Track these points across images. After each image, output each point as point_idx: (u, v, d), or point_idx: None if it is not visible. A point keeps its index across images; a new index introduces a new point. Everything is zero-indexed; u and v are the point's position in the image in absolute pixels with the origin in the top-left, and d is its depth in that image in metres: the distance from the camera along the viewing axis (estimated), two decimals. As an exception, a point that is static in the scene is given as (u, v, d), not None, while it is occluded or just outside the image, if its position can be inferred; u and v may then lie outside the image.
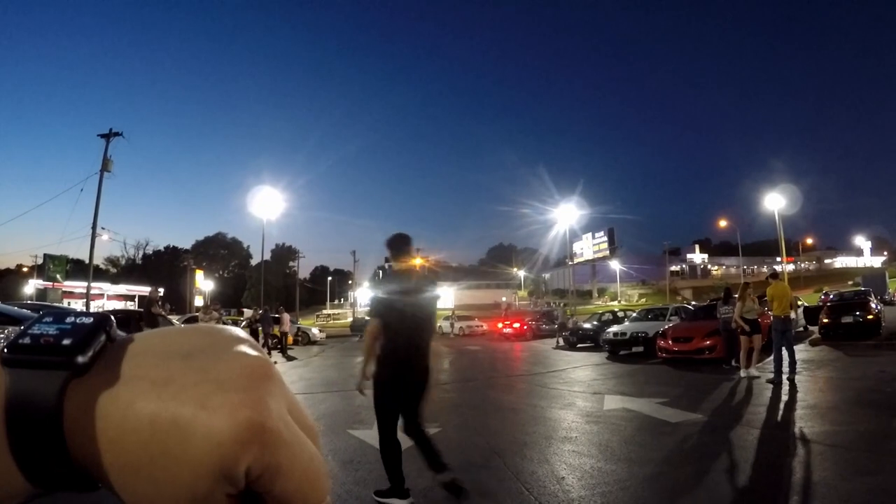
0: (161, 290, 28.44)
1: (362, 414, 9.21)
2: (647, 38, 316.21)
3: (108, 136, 33.40)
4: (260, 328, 24.52)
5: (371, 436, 7.37)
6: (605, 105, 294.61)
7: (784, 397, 9.55)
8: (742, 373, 11.99)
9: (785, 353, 11.28)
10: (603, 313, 29.35)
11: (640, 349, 17.93)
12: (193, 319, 22.38)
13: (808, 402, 8.97)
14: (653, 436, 7.12)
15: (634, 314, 23.76)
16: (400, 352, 4.53)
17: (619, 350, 18.89)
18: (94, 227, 33.23)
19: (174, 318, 25.44)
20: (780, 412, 8.56)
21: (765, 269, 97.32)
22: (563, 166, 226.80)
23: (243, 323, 34.66)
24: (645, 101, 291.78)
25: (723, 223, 79.22)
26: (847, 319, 18.67)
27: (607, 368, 15.65)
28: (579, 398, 10.37)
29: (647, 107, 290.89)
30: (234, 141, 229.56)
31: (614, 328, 20.10)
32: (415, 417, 4.71)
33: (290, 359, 21.84)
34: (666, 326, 17.21)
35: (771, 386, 10.58)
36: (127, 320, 15.55)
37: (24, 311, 9.92)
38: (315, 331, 35.86)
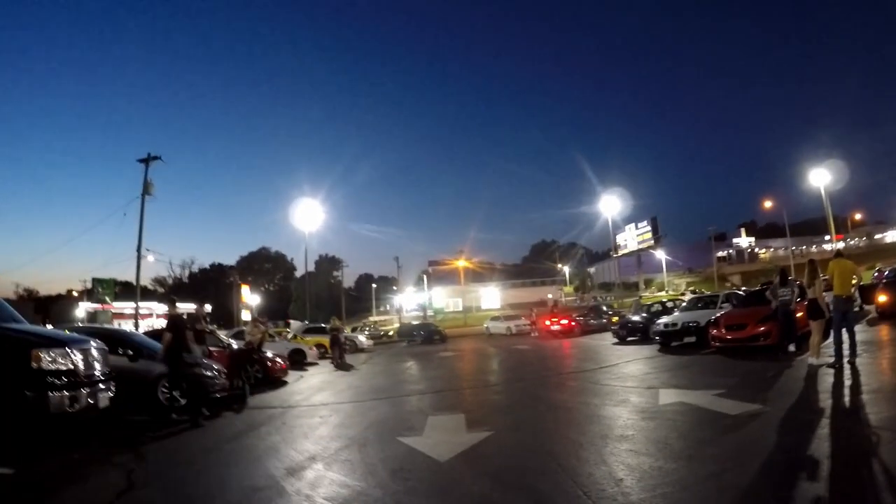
0: (207, 307, 28.86)
1: (412, 420, 9.12)
2: (684, 22, 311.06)
3: (147, 161, 34.41)
4: (339, 338, 24.74)
5: (421, 443, 7.26)
6: (643, 93, 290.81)
7: (847, 382, 9.15)
8: (812, 360, 11.21)
9: (845, 335, 10.83)
10: (651, 304, 28.81)
11: (693, 339, 17.42)
12: (241, 333, 22.50)
13: (872, 387, 8.56)
14: (712, 430, 6.85)
15: (684, 303, 23.20)
16: None
17: (670, 342, 18.41)
18: (139, 249, 34.06)
19: (222, 333, 25.76)
20: (845, 398, 8.21)
21: (814, 249, 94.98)
22: (602, 158, 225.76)
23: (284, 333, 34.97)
24: (682, 87, 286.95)
25: (768, 204, 77.65)
26: (905, 296, 17.96)
27: (659, 361, 15.28)
28: (633, 394, 10.11)
29: (685, 92, 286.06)
30: (272, 156, 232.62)
31: (664, 319, 19.61)
32: None
33: (345, 368, 21.87)
34: (718, 314, 16.72)
35: (832, 371, 10.15)
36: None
37: (63, 332, 10.01)
38: (362, 338, 36.07)
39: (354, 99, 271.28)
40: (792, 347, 13.64)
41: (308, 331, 35.30)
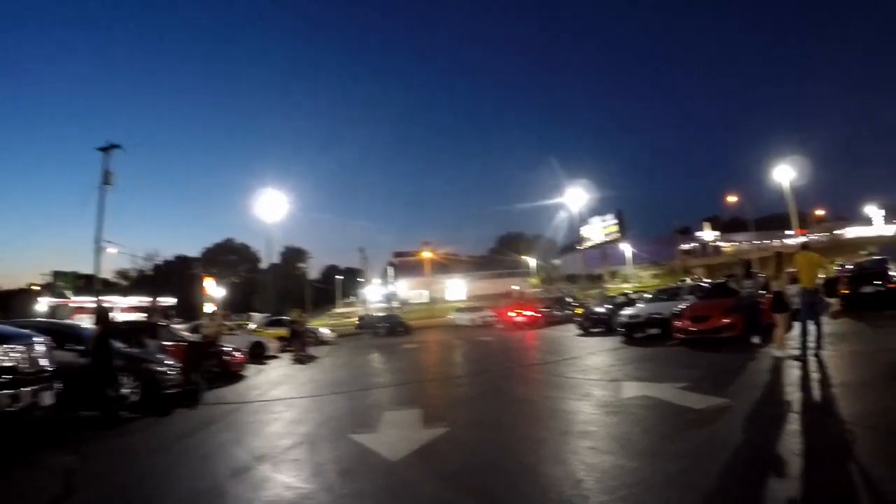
0: (166, 300, 28.20)
1: (367, 416, 8.77)
2: (649, 15, 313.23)
3: (106, 150, 33.41)
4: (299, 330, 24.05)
5: (375, 440, 6.92)
6: (609, 86, 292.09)
7: (814, 375, 9.00)
8: (777, 352, 11.16)
9: (811, 326, 10.72)
10: (616, 296, 28.76)
11: (657, 331, 17.33)
12: (199, 327, 21.88)
13: (839, 380, 8.46)
14: (677, 425, 6.61)
15: (648, 295, 23.12)
16: None
17: (634, 333, 18.35)
18: (97, 241, 33.24)
19: (182, 327, 25.12)
20: (813, 392, 8.04)
21: (777, 243, 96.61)
22: (568, 151, 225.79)
23: (241, 325, 34.40)
24: (648, 81, 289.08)
25: (732, 199, 78.74)
26: (867, 289, 18.09)
27: (623, 353, 15.13)
28: (596, 387, 9.84)
29: (651, 86, 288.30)
30: (237, 146, 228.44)
31: (628, 311, 19.50)
32: None
33: (302, 361, 21.37)
34: (682, 306, 16.63)
35: (797, 363, 10.01)
36: (126, 332, 15.16)
37: (4, 327, 9.45)
38: (324, 330, 35.53)
39: (320, 89, 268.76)
40: (756, 339, 13.55)
41: (270, 323, 34.77)
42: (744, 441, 5.69)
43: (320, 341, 33.01)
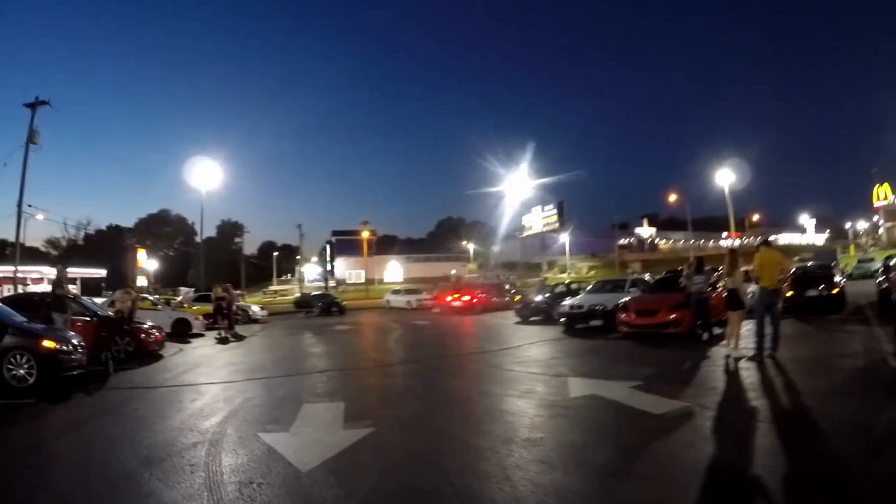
0: (68, 269, 26.19)
1: (283, 408, 7.68)
2: (603, 7, 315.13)
3: (34, 105, 30.98)
4: (223, 307, 22.43)
5: (286, 442, 5.87)
6: (557, 77, 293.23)
7: (776, 380, 8.31)
8: (731, 351, 10.46)
9: (768, 328, 10.11)
10: (556, 285, 28.14)
11: (599, 323, 16.73)
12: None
13: (805, 386, 7.77)
14: (637, 435, 5.72)
15: (590, 286, 22.52)
16: None
17: (575, 324, 17.69)
18: (20, 205, 31.04)
19: (98, 300, 23.43)
20: (779, 398, 7.30)
21: (711, 244, 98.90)
22: (513, 139, 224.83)
23: (178, 301, 32.75)
24: (598, 74, 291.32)
25: (672, 197, 79.12)
26: (812, 293, 17.82)
27: (566, 345, 14.41)
28: (539, 383, 8.97)
29: (599, 80, 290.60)
30: (176, 114, 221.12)
31: (570, 301, 18.82)
32: None
33: (224, 341, 20.05)
34: (626, 299, 15.99)
35: (752, 364, 9.41)
36: (33, 305, 13.72)
37: None
38: (256, 308, 33.98)
39: (262, 58, 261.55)
40: (705, 336, 13.12)
41: (199, 299, 33.01)
42: (718, 458, 4.84)
43: (251, 319, 31.57)
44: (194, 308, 28.45)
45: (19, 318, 11.25)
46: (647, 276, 23.95)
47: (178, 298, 36.69)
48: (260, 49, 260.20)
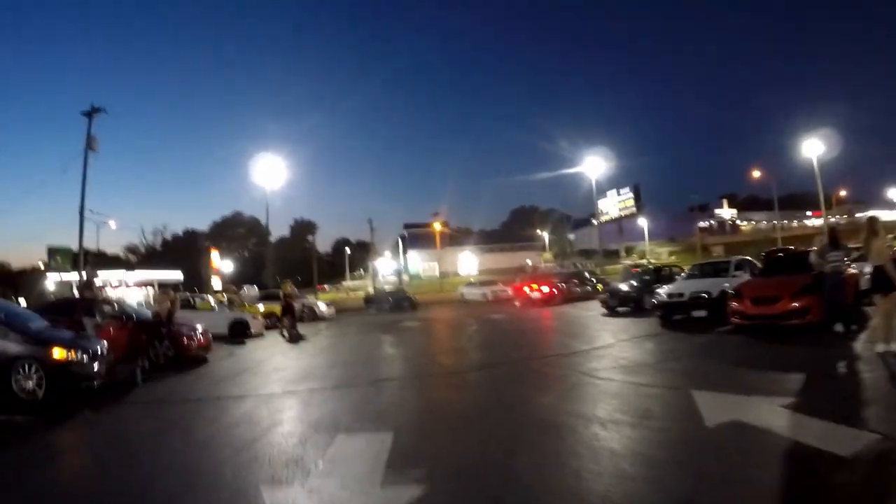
0: (98, 273, 25.64)
1: (310, 442, 5.82)
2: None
3: (90, 113, 31.12)
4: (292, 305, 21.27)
5: (294, 498, 4.02)
6: (629, 56, 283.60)
7: None
8: (881, 347, 8.29)
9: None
10: (644, 271, 25.67)
11: (703, 313, 14.37)
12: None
13: None
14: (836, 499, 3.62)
15: (686, 271, 20.09)
16: None
17: (673, 314, 15.38)
18: (81, 211, 30.74)
19: (131, 302, 22.58)
20: None
21: (795, 224, 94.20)
22: (584, 123, 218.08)
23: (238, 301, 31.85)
24: (670, 53, 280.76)
25: (756, 173, 75.03)
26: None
27: (668, 342, 12.17)
28: (654, 400, 6.86)
29: (672, 58, 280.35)
30: (242, 116, 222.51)
31: (668, 288, 16.37)
32: None
33: (294, 340, 19.12)
34: (736, 284, 13.64)
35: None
36: (70, 309, 12.66)
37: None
38: (322, 305, 32.74)
39: (327, 51, 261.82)
40: (839, 328, 10.60)
41: (265, 297, 32.16)
42: None
43: (317, 317, 30.45)
44: (253, 307, 27.45)
45: (38, 323, 10.38)
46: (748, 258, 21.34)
47: (240, 299, 35.89)
48: (324, 43, 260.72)
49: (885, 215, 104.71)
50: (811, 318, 11.22)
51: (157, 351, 13.20)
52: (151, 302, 17.11)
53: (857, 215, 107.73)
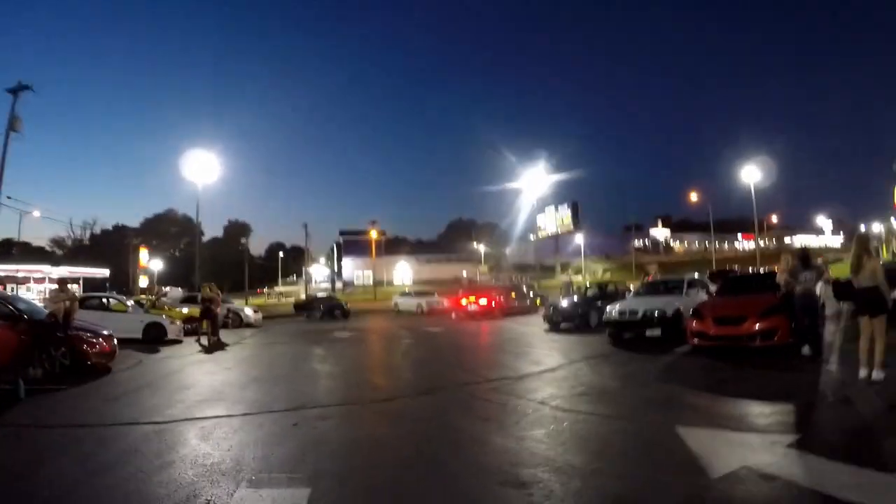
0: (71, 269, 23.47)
1: (199, 499, 4.42)
2: (621, 4, 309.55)
3: (16, 91, 29.14)
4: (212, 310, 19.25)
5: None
6: (567, 75, 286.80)
7: None
8: (878, 374, 7.45)
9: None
10: (588, 287, 24.88)
11: (657, 333, 13.54)
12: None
13: None
14: None
15: (635, 289, 19.37)
16: None
17: (623, 333, 14.54)
18: (-2, 195, 28.82)
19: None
20: None
21: (726, 246, 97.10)
22: (524, 140, 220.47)
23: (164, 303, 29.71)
24: (613, 74, 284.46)
25: (694, 197, 76.56)
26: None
27: (625, 364, 11.26)
28: (635, 439, 5.74)
29: (614, 80, 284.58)
30: (183, 115, 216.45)
31: (619, 305, 15.31)
32: None
33: (213, 349, 17.37)
34: (682, 303, 12.97)
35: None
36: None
37: None
38: (248, 311, 30.81)
39: (268, 54, 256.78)
40: (806, 350, 10.00)
41: (186, 300, 29.92)
42: None
43: (243, 323, 28.52)
44: (179, 310, 25.49)
45: None
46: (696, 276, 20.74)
47: (163, 299, 33.69)
48: (265, 46, 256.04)
49: (812, 241, 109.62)
50: (778, 339, 10.55)
51: (54, 357, 11.39)
52: (47, 298, 15.15)
53: (786, 240, 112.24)
